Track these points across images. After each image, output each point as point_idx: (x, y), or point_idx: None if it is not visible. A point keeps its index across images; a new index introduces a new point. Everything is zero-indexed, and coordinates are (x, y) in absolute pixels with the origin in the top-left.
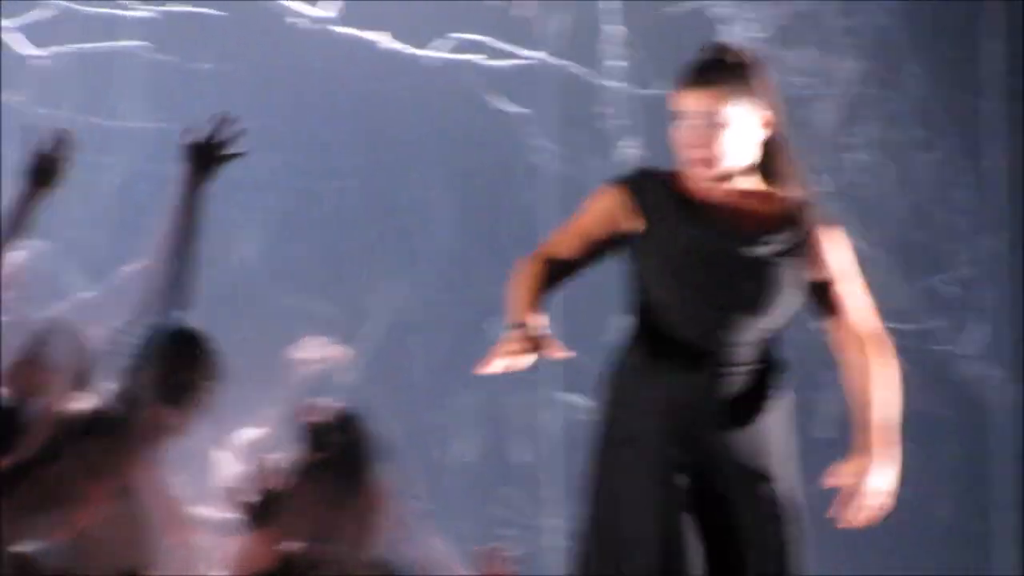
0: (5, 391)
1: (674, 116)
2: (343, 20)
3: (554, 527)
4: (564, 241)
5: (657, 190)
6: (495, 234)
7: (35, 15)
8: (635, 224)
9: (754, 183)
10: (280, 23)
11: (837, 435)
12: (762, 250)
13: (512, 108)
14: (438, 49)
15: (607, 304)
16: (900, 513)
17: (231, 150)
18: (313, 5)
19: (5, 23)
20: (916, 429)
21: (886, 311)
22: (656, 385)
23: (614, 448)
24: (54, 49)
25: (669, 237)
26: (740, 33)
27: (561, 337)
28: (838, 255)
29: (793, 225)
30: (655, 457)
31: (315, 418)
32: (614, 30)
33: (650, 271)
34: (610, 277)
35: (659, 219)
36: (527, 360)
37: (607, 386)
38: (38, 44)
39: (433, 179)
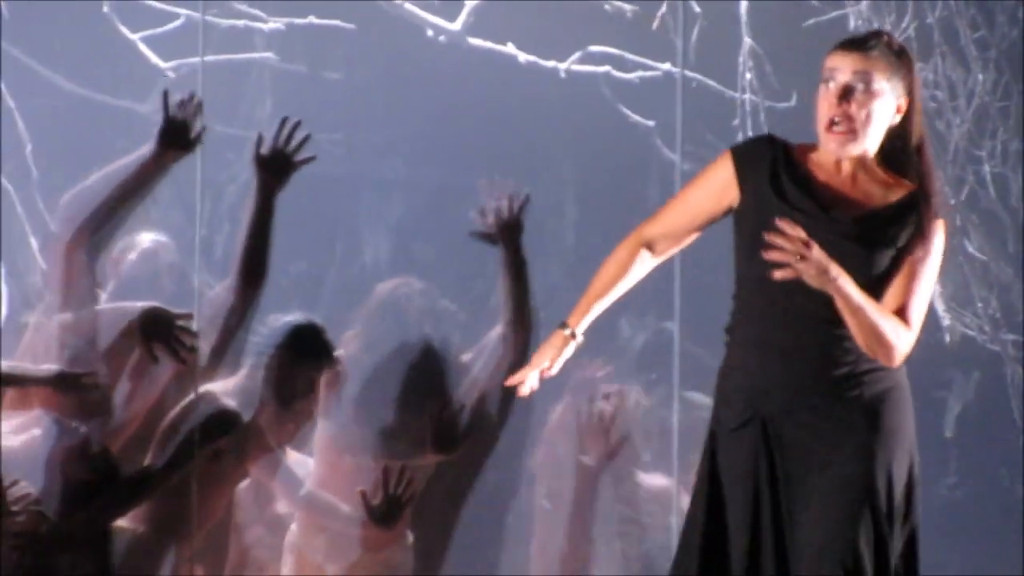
0: (105, 376)
1: (824, 77)
2: (474, 31)
3: (673, 525)
4: (670, 213)
5: (765, 159)
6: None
7: (165, 28)
8: (734, 194)
9: (873, 168)
10: (411, 34)
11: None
12: (867, 235)
13: (643, 120)
14: (571, 61)
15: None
16: None
17: (302, 155)
18: (450, 21)
19: (137, 35)
20: None
21: (1010, 323)
22: (742, 373)
23: (717, 449)
24: (183, 61)
25: (762, 210)
26: None
27: (683, 333)
28: (927, 249)
29: (903, 214)
30: (741, 456)
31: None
32: (747, 43)
33: (739, 244)
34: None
35: (755, 189)
36: (557, 367)
37: (717, 379)
38: (167, 56)
39: (563, 191)
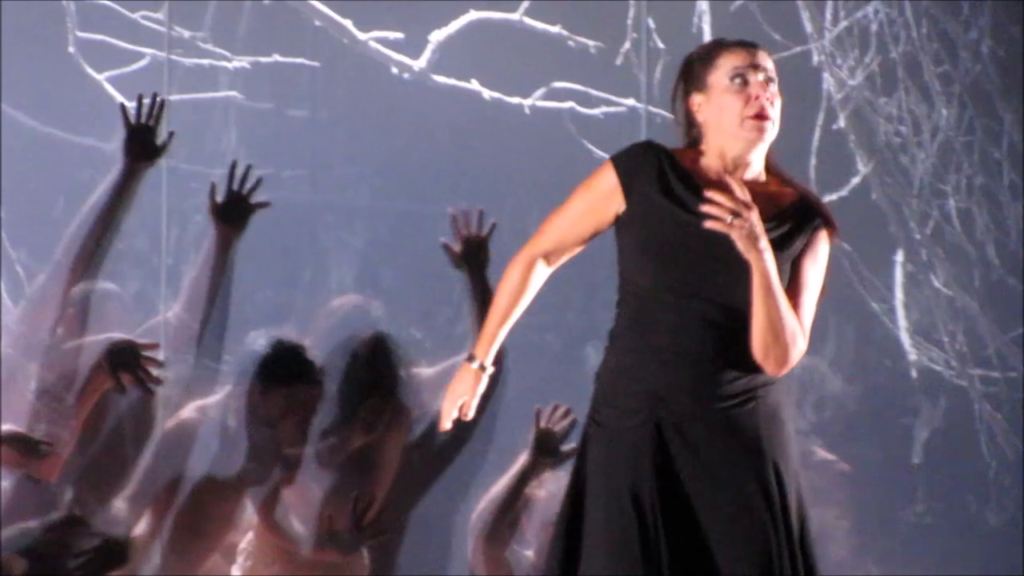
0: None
1: (735, 74)
2: (438, 68)
3: None
4: (556, 228)
5: (650, 165)
6: (590, 272)
7: (131, 67)
8: (619, 203)
9: (762, 171)
10: (375, 71)
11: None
12: (773, 233)
13: (608, 155)
14: (534, 98)
15: None
16: None
17: (256, 200)
18: (414, 58)
19: (102, 75)
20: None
21: (978, 358)
22: (636, 380)
23: (594, 449)
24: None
25: (652, 216)
26: (836, 79)
27: None
28: (818, 262)
29: (798, 220)
30: (628, 459)
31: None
32: None
33: (631, 254)
34: None
35: (644, 196)
36: (474, 406)
37: (596, 383)
38: (132, 95)
39: (528, 225)
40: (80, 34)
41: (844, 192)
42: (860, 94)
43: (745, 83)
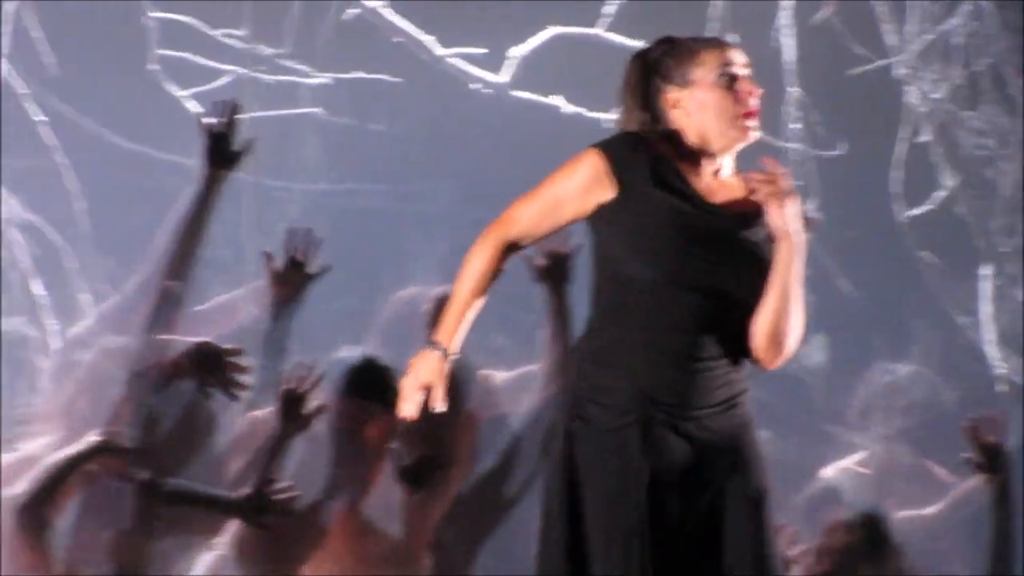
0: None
1: (723, 72)
2: (518, 84)
3: None
4: (530, 213)
5: (642, 155)
6: None
7: (212, 84)
8: (608, 191)
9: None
10: (455, 86)
11: None
12: (755, 233)
13: None
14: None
15: None
16: None
17: (313, 269)
18: (494, 73)
19: (184, 92)
20: None
21: None
22: (624, 376)
23: (582, 447)
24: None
25: (646, 206)
26: (919, 93)
27: None
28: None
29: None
30: (619, 458)
31: None
32: (793, 92)
33: (620, 245)
34: None
35: (638, 186)
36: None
37: (576, 376)
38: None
39: None
40: (161, 51)
41: (928, 205)
42: (944, 107)
43: (733, 79)
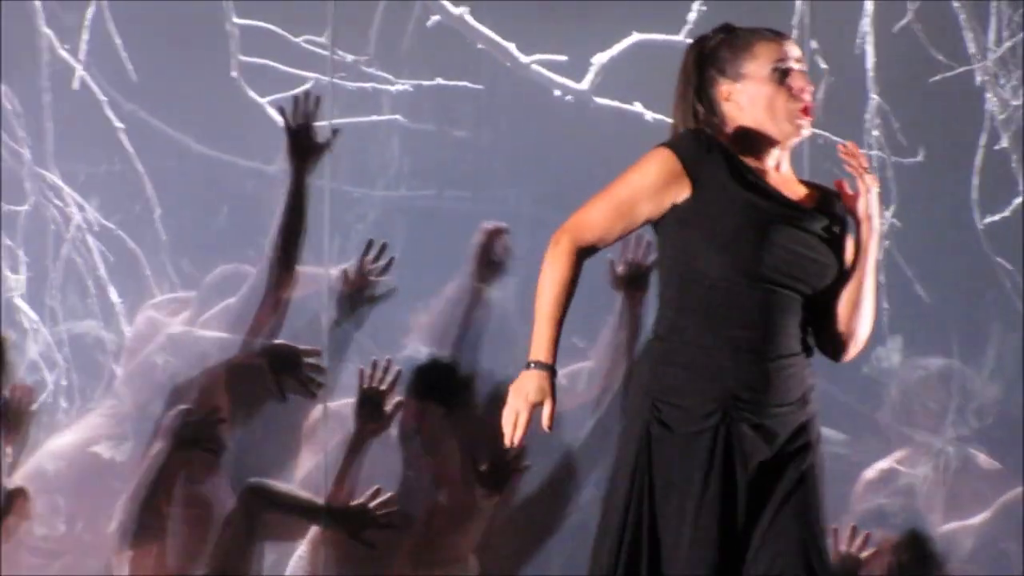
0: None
1: (777, 66)
2: (600, 91)
3: None
4: (606, 218)
5: (714, 151)
6: None
7: (294, 91)
8: (684, 190)
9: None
10: (538, 93)
11: None
12: (828, 228)
13: None
14: None
15: None
16: None
17: (382, 276)
18: (577, 81)
19: (265, 99)
20: None
21: None
22: (710, 379)
23: (661, 451)
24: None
25: (723, 203)
26: (1000, 99)
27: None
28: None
29: (836, 211)
30: (701, 464)
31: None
32: (874, 99)
33: (698, 244)
34: None
35: (717, 183)
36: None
37: (653, 379)
38: (295, 118)
39: None
40: (243, 58)
41: (1007, 212)
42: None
43: (787, 74)
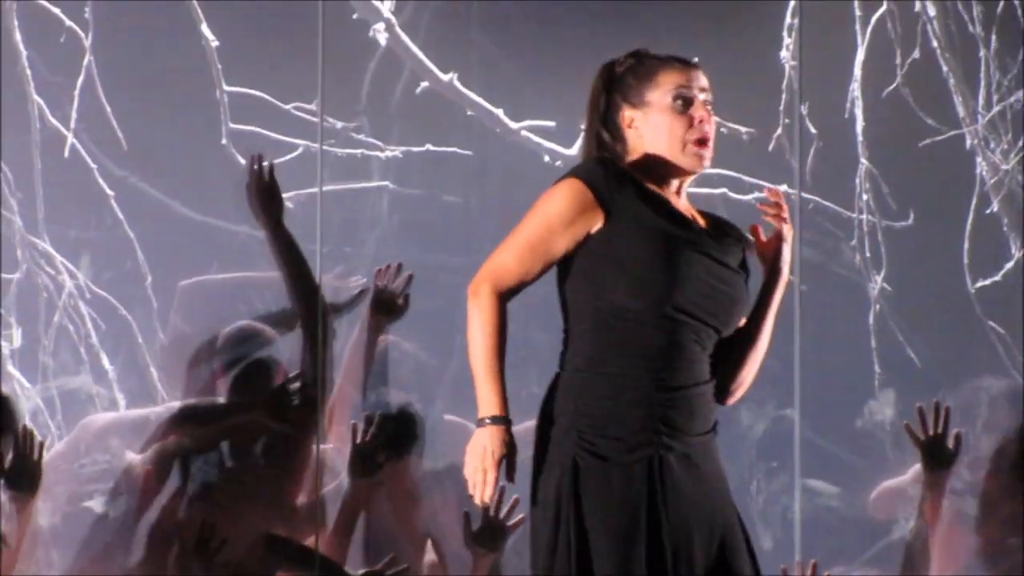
0: None
1: (677, 94)
2: None
3: None
4: (524, 260)
5: (623, 179)
6: None
7: (283, 157)
8: (596, 220)
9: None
10: (527, 159)
11: None
12: (735, 257)
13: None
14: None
15: (851, 388)
16: None
17: (403, 298)
18: (567, 147)
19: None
20: None
21: None
22: (637, 407)
23: (595, 483)
24: (300, 191)
25: (638, 231)
26: (990, 163)
27: (803, 420)
28: None
29: (739, 245)
30: (631, 496)
31: None
32: (863, 164)
33: (613, 274)
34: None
35: (632, 212)
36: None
37: (577, 414)
38: (286, 186)
39: None
40: (233, 125)
41: (998, 277)
42: (1013, 178)
43: (688, 104)
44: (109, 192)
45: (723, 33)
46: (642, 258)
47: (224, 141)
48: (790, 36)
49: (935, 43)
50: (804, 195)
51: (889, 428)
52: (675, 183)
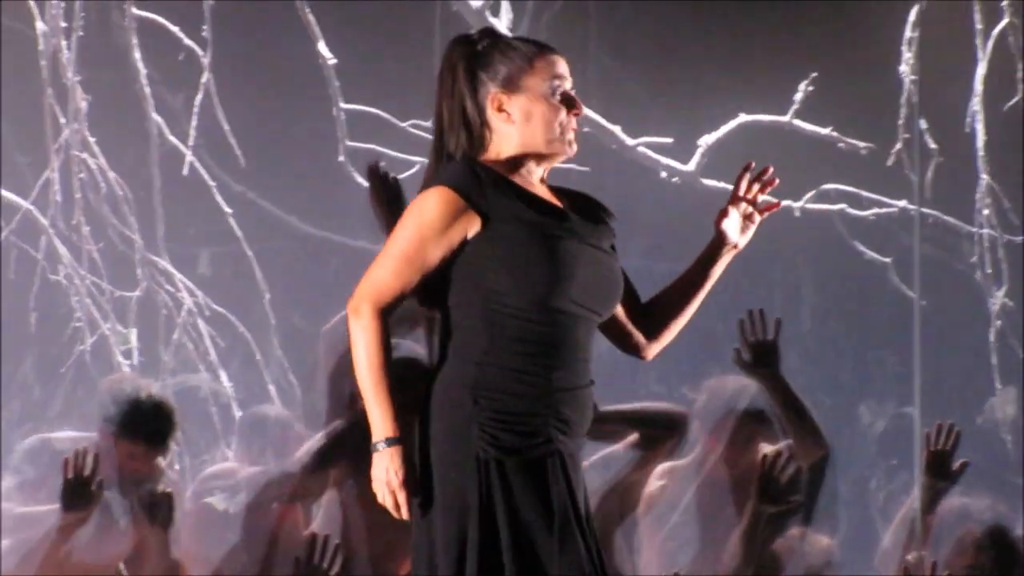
0: None
1: (555, 85)
2: (707, 172)
3: None
4: (403, 275)
5: (491, 179)
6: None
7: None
8: (472, 224)
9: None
10: (644, 175)
11: None
12: (607, 239)
13: (879, 256)
14: (805, 200)
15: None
16: None
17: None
18: (683, 163)
19: None
20: None
21: None
22: (535, 402)
23: (502, 474)
24: None
25: (516, 230)
26: None
27: (924, 417)
28: None
29: (605, 215)
30: (539, 488)
31: None
32: (984, 179)
33: (498, 274)
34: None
35: (508, 212)
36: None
37: (473, 405)
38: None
39: (799, 326)
40: (350, 143)
41: None
42: None
43: (564, 93)
44: (227, 209)
45: (842, 48)
46: (528, 256)
47: (342, 158)
48: (909, 50)
49: None
50: (924, 210)
51: (1013, 428)
52: (540, 171)
